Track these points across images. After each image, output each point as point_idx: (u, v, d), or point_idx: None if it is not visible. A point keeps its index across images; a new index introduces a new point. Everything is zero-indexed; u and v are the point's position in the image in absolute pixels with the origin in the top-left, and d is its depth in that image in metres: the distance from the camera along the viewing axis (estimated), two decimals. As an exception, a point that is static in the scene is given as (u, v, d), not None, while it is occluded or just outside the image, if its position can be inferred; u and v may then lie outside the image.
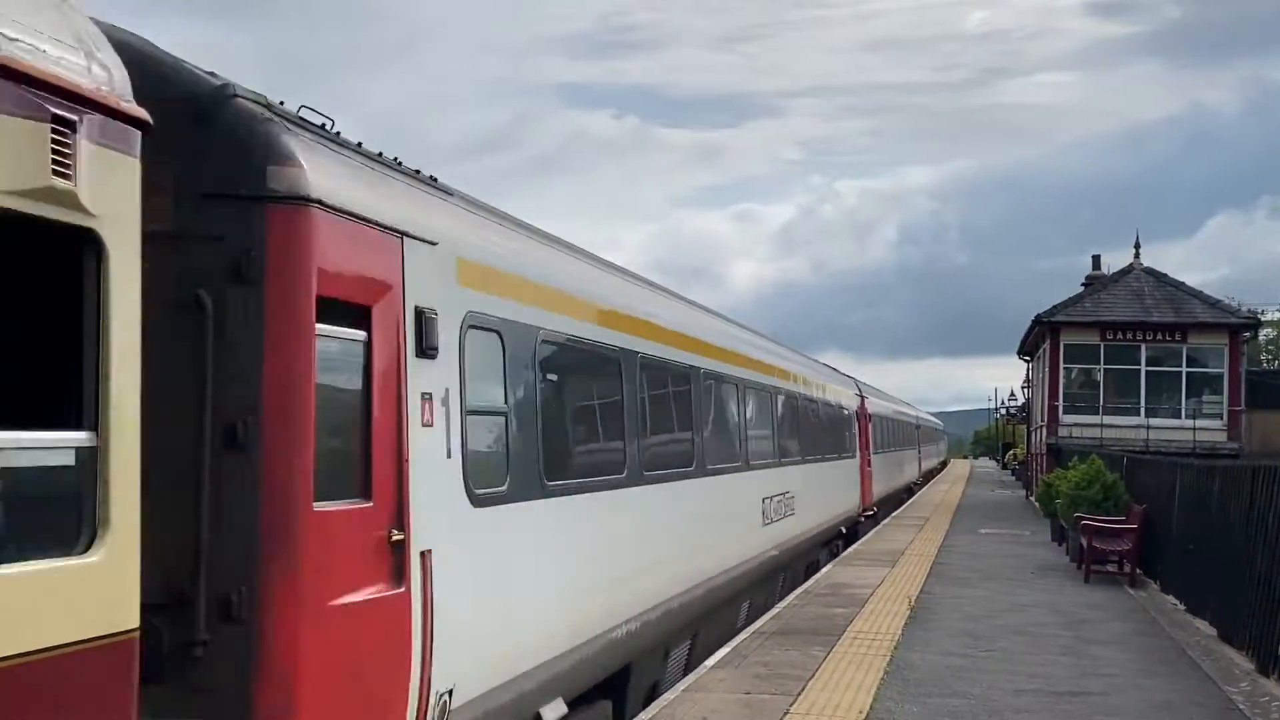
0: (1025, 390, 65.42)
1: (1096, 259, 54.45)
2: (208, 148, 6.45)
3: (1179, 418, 42.88)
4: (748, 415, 18.35)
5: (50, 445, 4.85)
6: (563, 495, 10.08)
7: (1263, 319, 61.79)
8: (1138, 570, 22.54)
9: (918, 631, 16.34)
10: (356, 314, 6.97)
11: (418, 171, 8.64)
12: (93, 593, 4.88)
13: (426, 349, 7.63)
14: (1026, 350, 54.42)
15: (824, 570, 23.99)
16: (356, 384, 7.02)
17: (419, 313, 7.58)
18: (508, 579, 8.92)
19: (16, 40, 4.56)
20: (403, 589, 7.25)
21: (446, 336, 7.94)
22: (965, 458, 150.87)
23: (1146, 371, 43.80)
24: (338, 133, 7.54)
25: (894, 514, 41.26)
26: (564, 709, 10.02)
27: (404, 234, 7.53)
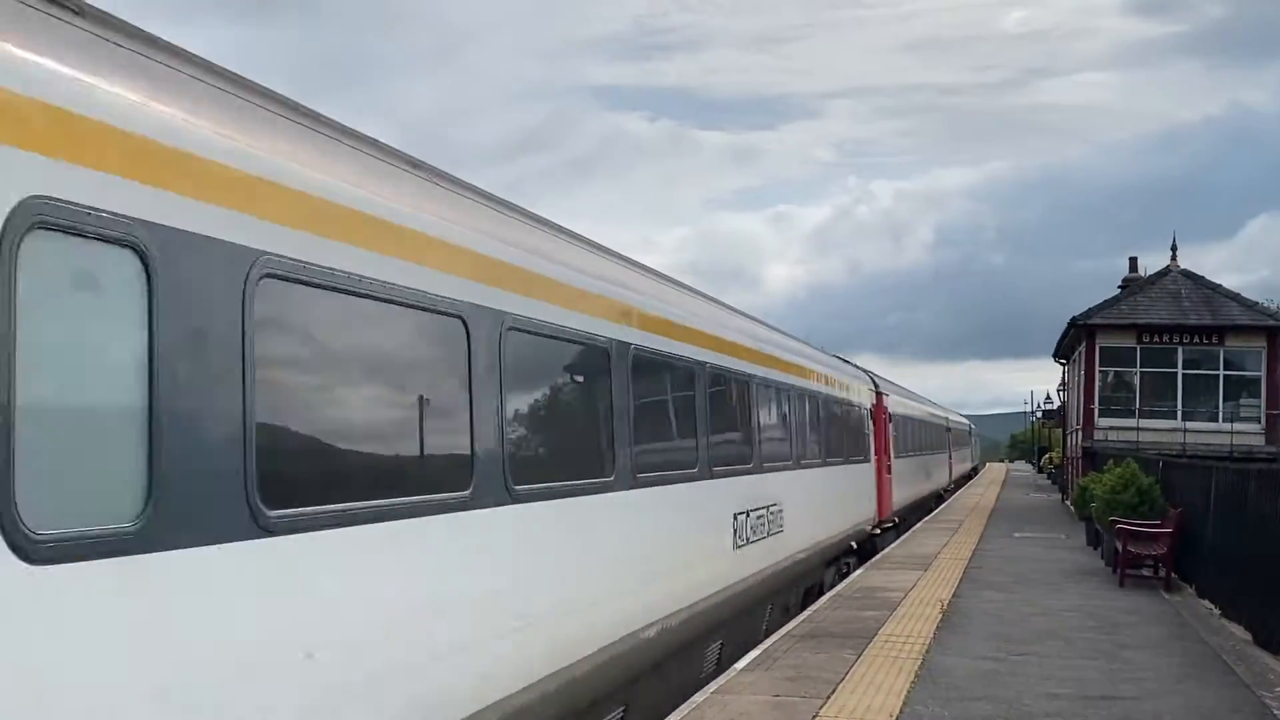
0: (1061, 393, 64.97)
1: (1133, 261, 54.08)
2: None
3: (1216, 421, 42.51)
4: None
5: None
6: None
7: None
8: (1173, 574, 22.34)
9: (950, 635, 16.25)
10: None
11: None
12: None
13: None
14: (1062, 353, 54.05)
15: (855, 574, 23.88)
16: None
17: None
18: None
19: None
20: None
21: None
22: (1001, 461, 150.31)
23: (1183, 374, 43.43)
24: None
25: (927, 518, 41.08)
26: None
27: None
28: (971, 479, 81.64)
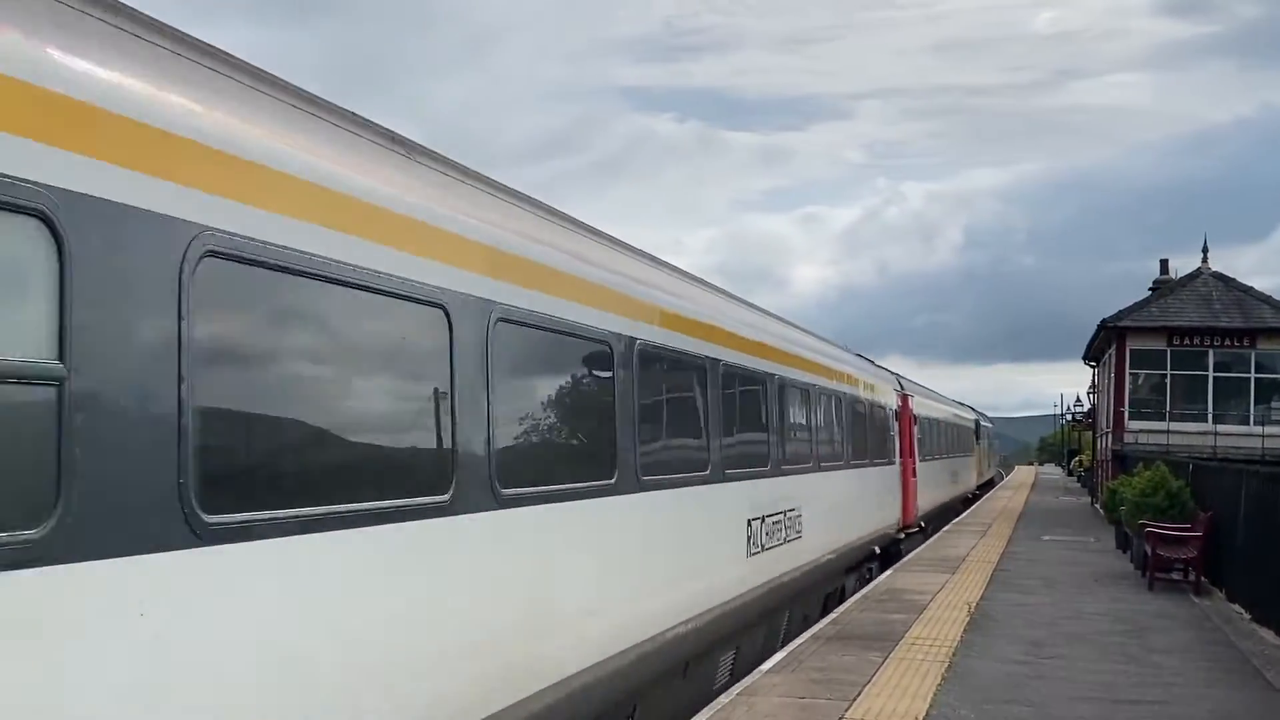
0: (1091, 396, 64.69)
1: (1164, 263, 53.80)
2: None
3: (1247, 424, 42.27)
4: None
5: None
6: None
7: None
8: (1203, 578, 22.22)
9: (978, 638, 16.20)
10: None
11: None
12: None
13: None
14: (1093, 355, 53.81)
15: (883, 576, 23.82)
16: None
17: None
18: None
19: None
20: None
21: None
22: (1031, 464, 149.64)
23: (1214, 377, 43.19)
24: None
25: (955, 520, 40.94)
26: None
27: None
28: (991, 487, 70.45)
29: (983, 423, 68.67)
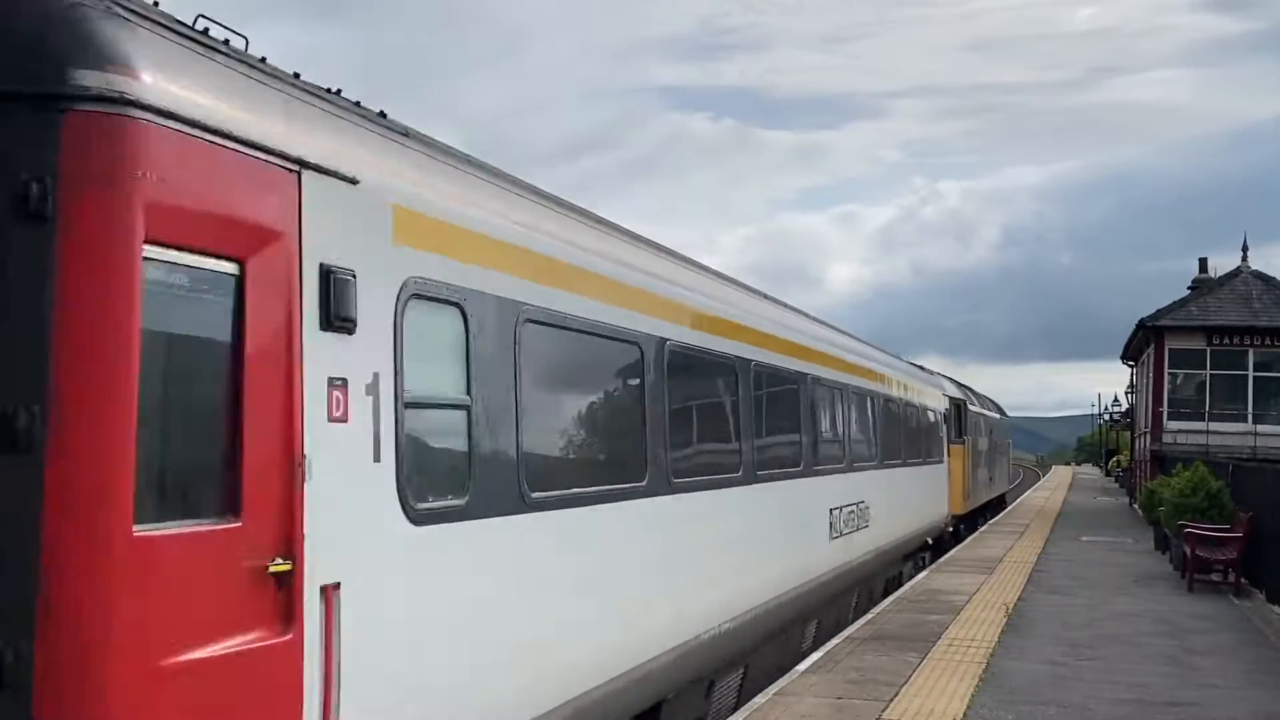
0: (1129, 396, 64.26)
1: (1203, 262, 53.28)
2: None
3: (1288, 425, 41.84)
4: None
5: None
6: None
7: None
8: (1243, 579, 22.05)
9: (1015, 639, 16.14)
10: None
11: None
12: None
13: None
14: (1131, 355, 53.43)
15: (919, 577, 23.77)
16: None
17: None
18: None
19: None
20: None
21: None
22: (1068, 464, 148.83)
23: (1254, 377, 42.80)
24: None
25: (992, 521, 40.78)
26: None
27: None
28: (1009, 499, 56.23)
29: (973, 407, 41.68)
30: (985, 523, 40.67)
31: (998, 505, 49.79)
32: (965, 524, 36.37)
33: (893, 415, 22.96)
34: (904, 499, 23.96)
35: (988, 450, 44.71)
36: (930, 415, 28.77)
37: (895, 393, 23.44)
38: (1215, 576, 22.69)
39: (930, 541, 28.27)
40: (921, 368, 33.72)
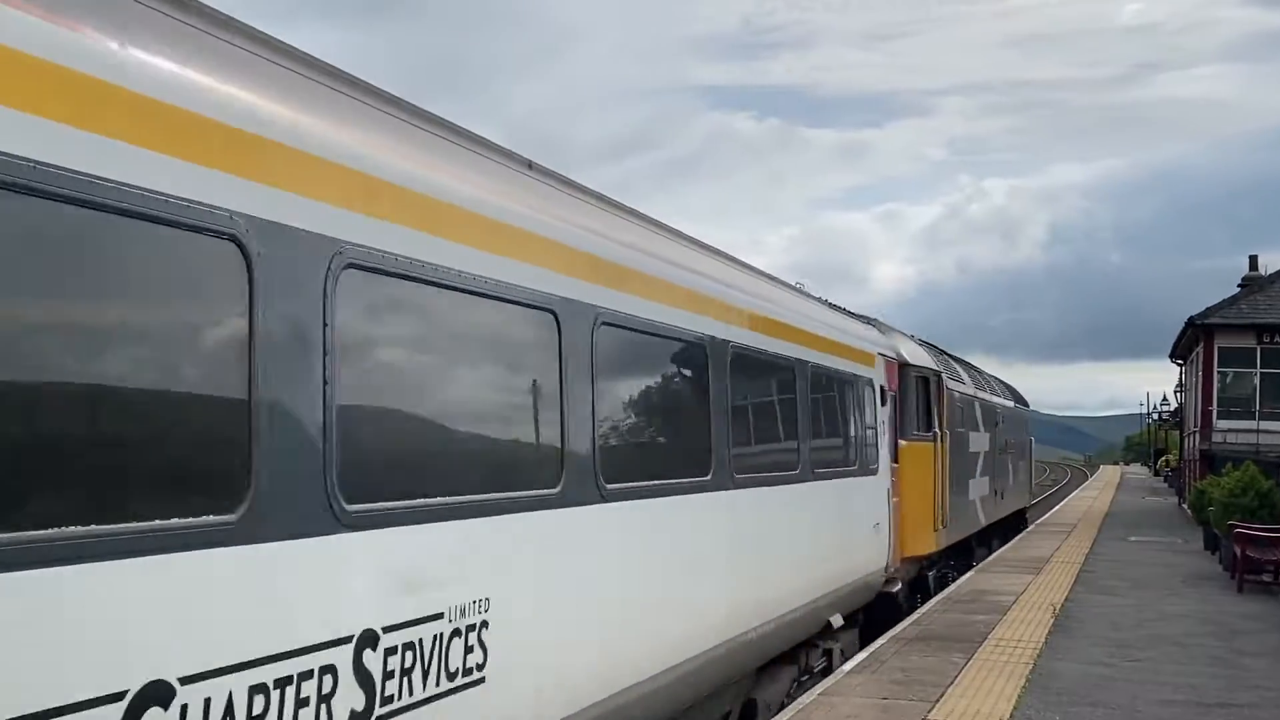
0: (1178, 395, 63.68)
1: (1254, 259, 52.74)
2: None
3: (1340, 424, 41.34)
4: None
5: None
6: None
7: None
8: (1294, 580, 21.86)
9: (1062, 640, 16.07)
10: None
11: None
12: None
13: None
14: (1179, 354, 52.95)
15: (965, 577, 23.68)
16: None
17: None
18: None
19: None
20: None
21: None
22: (1116, 464, 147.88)
23: (1306, 376, 42.32)
24: None
25: (1039, 521, 40.49)
26: None
27: None
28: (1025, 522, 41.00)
29: (957, 386, 26.26)
30: (992, 552, 29.63)
31: (1013, 525, 36.80)
32: (952, 562, 24.82)
33: (748, 390, 12.17)
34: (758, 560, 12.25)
35: (992, 451, 30.71)
36: (852, 392, 16.28)
37: (750, 342, 12.00)
38: (1266, 577, 22.49)
39: (838, 622, 15.13)
40: (849, 313, 19.39)
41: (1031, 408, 51.10)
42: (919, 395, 20.82)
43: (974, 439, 27.70)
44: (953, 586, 22.11)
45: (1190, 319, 44.06)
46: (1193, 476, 44.72)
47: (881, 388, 17.66)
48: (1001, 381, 39.46)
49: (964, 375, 28.06)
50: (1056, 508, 49.18)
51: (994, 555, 28.16)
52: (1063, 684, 13.27)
